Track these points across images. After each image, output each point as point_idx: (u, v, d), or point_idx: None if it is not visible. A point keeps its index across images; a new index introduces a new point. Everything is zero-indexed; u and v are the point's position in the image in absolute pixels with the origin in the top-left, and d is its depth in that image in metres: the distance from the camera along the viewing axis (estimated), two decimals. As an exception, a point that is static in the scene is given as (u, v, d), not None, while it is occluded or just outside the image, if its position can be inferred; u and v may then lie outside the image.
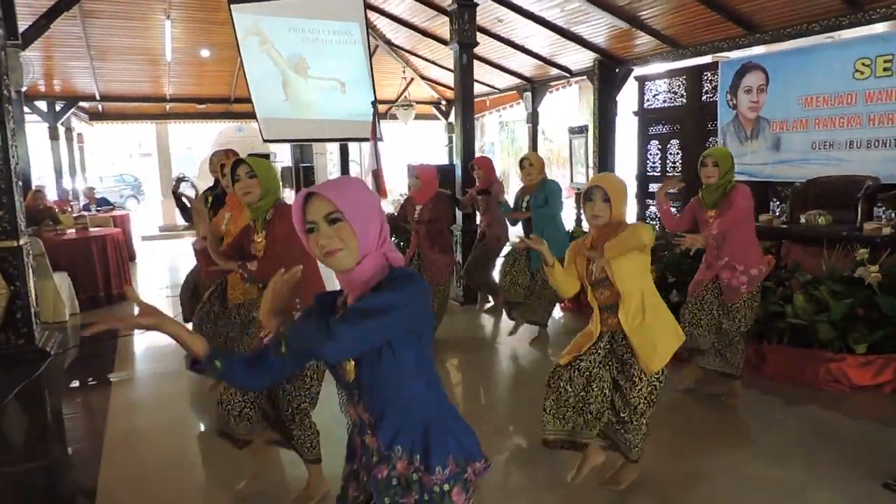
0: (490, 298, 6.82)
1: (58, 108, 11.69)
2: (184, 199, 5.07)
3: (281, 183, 3.05)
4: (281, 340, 1.46)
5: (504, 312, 5.87)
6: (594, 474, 3.13)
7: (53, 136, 11.78)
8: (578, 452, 3.08)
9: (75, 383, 5.16)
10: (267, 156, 8.28)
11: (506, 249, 6.14)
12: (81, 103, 12.23)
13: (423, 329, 1.53)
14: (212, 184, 5.23)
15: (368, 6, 9.60)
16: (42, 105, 11.55)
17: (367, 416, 1.56)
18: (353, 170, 14.42)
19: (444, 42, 10.08)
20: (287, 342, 1.44)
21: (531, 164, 5.32)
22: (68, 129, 12.83)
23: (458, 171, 6.74)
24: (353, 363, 1.53)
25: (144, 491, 3.29)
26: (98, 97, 11.71)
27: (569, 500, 3.10)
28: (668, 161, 8.66)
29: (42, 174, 14.41)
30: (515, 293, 5.48)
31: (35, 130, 11.70)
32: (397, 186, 15.52)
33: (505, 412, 4.41)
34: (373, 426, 1.55)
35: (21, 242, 5.31)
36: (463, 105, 6.55)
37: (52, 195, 11.08)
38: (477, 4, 6.58)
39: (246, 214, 3.91)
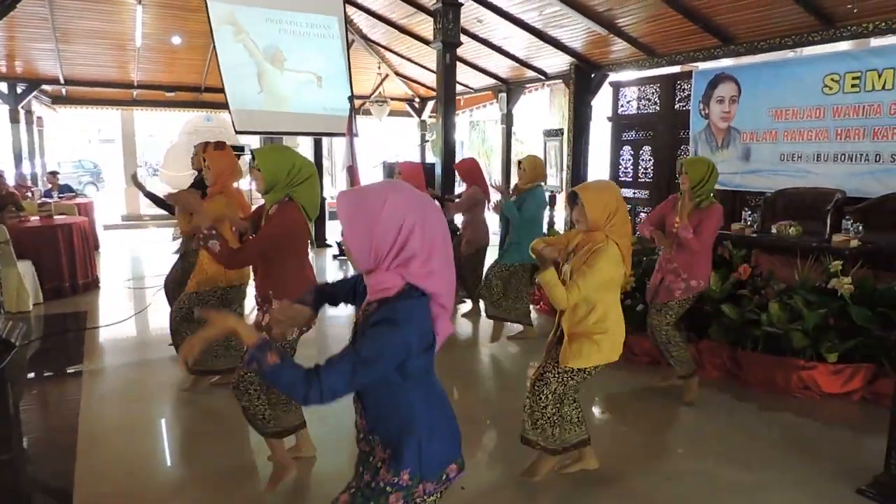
0: (468, 301, 6.79)
1: (19, 90, 11.29)
2: (151, 193, 4.99)
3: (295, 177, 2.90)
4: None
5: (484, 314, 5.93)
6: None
7: (14, 118, 11.38)
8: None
9: (44, 374, 5.01)
10: (242, 147, 8.12)
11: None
12: (44, 86, 11.85)
13: (421, 353, 1.54)
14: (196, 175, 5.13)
15: (347, 0, 9.52)
16: (2, 87, 11.15)
17: (358, 399, 1.67)
18: (324, 165, 14.27)
19: (421, 39, 10.07)
20: (270, 377, 1.45)
21: (524, 169, 5.35)
22: (28, 113, 12.41)
23: (438, 169, 6.74)
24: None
25: (122, 482, 3.24)
26: (62, 80, 11.35)
27: (539, 496, 3.14)
28: (640, 167, 8.81)
29: (-2, 158, 13.91)
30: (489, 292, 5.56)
31: (-7, 113, 11.35)
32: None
33: (483, 409, 4.43)
34: (362, 410, 1.66)
35: (-13, 229, 5.13)
36: (445, 104, 6.56)
37: (9, 180, 10.70)
38: (461, 4, 6.59)
39: (213, 204, 3.89)
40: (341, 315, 6.26)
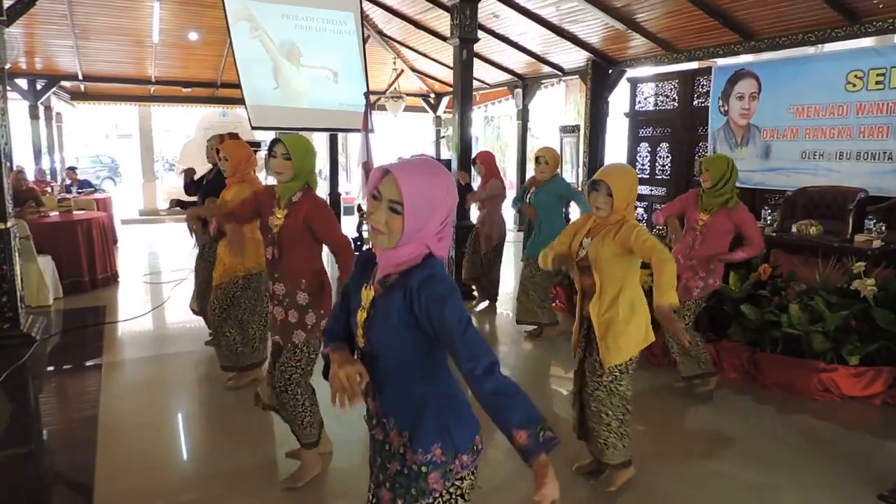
0: (485, 299, 6.71)
1: (39, 86, 11.41)
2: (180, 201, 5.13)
3: (316, 167, 2.99)
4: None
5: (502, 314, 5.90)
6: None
7: (34, 115, 11.51)
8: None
9: (64, 368, 5.05)
10: (258, 143, 8.16)
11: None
12: (63, 83, 11.95)
13: None
14: (208, 170, 5.16)
15: (363, -4, 9.52)
16: (22, 83, 11.26)
17: (370, 382, 1.59)
18: (340, 161, 14.28)
19: (437, 35, 10.04)
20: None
21: (546, 161, 5.29)
22: (47, 109, 12.53)
23: (454, 165, 6.72)
24: (361, 331, 1.57)
25: (142, 477, 3.26)
26: (81, 77, 11.44)
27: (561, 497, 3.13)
28: (657, 164, 8.74)
29: (18, 154, 14.04)
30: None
31: (13, 109, 11.42)
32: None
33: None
34: (374, 391, 1.60)
35: (8, 225, 5.18)
36: (462, 100, 6.52)
37: (28, 175, 10.82)
38: (479, 0, 6.55)
39: (238, 189, 3.95)
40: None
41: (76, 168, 12.27)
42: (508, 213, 6.38)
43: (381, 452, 1.64)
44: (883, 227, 5.05)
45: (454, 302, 1.45)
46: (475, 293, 6.76)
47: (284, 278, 2.95)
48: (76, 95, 13.10)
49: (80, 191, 10.89)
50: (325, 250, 3.05)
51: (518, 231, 6.34)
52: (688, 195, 4.26)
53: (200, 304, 5.02)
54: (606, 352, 2.90)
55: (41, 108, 11.79)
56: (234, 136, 4.49)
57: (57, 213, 7.62)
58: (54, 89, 11.76)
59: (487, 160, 6.18)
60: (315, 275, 2.98)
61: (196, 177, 5.52)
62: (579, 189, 8.64)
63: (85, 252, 7.20)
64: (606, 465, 3.13)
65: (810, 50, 7.74)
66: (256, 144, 7.62)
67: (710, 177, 3.98)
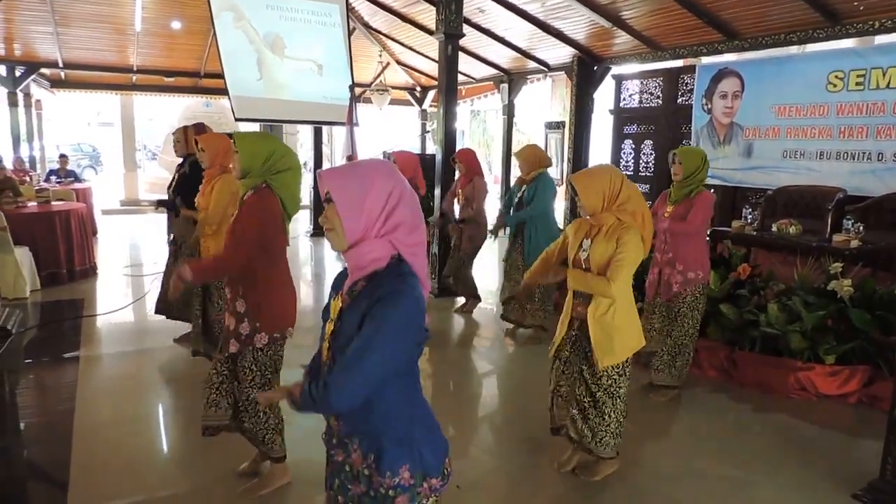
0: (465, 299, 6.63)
1: (18, 73, 11.22)
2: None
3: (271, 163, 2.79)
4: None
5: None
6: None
7: (12, 102, 11.32)
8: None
9: (41, 361, 4.99)
10: (230, 135, 8.05)
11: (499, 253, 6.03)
12: (43, 70, 11.77)
13: (416, 343, 1.51)
14: (180, 161, 5.05)
15: (349, -12, 9.45)
16: (1, 70, 11.08)
17: None
18: (324, 153, 14.20)
19: (423, 29, 10.00)
20: (300, 405, 1.51)
21: (523, 160, 5.27)
22: (27, 96, 12.33)
23: (439, 159, 6.70)
24: (327, 344, 1.55)
25: (119, 472, 3.24)
26: (61, 64, 11.27)
27: (538, 494, 3.15)
28: (641, 161, 8.78)
29: (-5, 141, 13.84)
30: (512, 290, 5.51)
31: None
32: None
33: (476, 407, 4.44)
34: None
35: (-16, 216, 5.10)
36: (447, 95, 6.51)
37: (7, 164, 10.65)
38: (464, -6, 6.53)
39: (212, 188, 3.92)
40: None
41: (67, 157, 12.08)
42: (491, 213, 6.31)
43: (341, 473, 1.59)
44: (861, 227, 5.11)
45: (396, 316, 1.41)
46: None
47: (229, 282, 2.84)
48: (56, 83, 12.91)
49: (59, 180, 10.73)
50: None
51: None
52: (660, 197, 4.27)
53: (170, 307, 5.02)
54: (602, 354, 2.92)
55: (20, 96, 11.59)
56: (201, 126, 4.39)
57: (35, 203, 7.50)
58: (34, 76, 11.58)
59: (467, 158, 6.06)
60: (257, 282, 2.76)
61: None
62: (561, 184, 8.67)
63: (63, 243, 7.09)
64: (592, 455, 3.17)
65: (793, 50, 7.81)
66: (229, 136, 7.51)
67: (682, 169, 3.97)
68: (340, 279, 1.60)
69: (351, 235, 1.46)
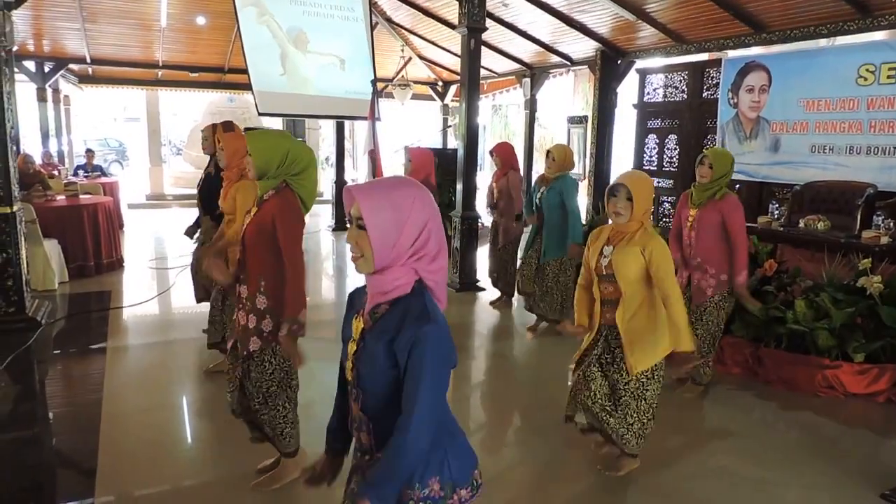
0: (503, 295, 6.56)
1: (46, 69, 11.41)
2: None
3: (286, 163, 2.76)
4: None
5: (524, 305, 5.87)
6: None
7: (41, 97, 11.53)
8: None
9: (69, 352, 5.09)
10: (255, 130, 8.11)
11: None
12: (71, 66, 11.95)
13: (452, 367, 1.52)
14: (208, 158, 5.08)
15: (371, -18, 9.45)
16: (30, 66, 11.27)
17: (362, 415, 1.55)
18: (346, 148, 14.25)
19: (445, 23, 9.97)
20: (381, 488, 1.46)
21: (554, 159, 5.23)
22: (55, 91, 12.54)
23: (461, 154, 6.69)
24: (350, 364, 1.54)
25: (146, 461, 3.28)
26: (89, 60, 11.44)
27: (561, 489, 3.14)
28: (665, 156, 8.69)
29: (26, 136, 14.10)
30: (526, 285, 5.55)
31: (20, 91, 11.43)
32: (394, 167, 15.40)
33: (497, 400, 4.43)
34: (367, 426, 1.55)
35: (15, 209, 5.20)
36: (469, 90, 6.49)
37: (36, 159, 10.85)
38: (487, -12, 6.50)
39: (233, 191, 3.88)
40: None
41: (93, 151, 12.29)
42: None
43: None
44: (891, 224, 5.01)
45: (436, 360, 1.42)
46: (480, 285, 6.71)
47: (248, 280, 2.83)
48: (84, 78, 13.10)
49: (86, 175, 10.91)
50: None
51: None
52: (681, 200, 4.20)
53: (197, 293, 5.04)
54: (634, 359, 2.89)
55: (49, 91, 11.81)
56: (229, 125, 4.42)
57: (63, 197, 7.64)
58: (62, 72, 11.77)
59: (504, 152, 6.04)
60: (278, 278, 2.76)
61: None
62: (584, 179, 8.59)
63: (91, 236, 7.22)
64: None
65: (822, 43, 7.65)
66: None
67: (713, 172, 3.90)
68: (358, 297, 1.61)
69: (379, 264, 1.45)
